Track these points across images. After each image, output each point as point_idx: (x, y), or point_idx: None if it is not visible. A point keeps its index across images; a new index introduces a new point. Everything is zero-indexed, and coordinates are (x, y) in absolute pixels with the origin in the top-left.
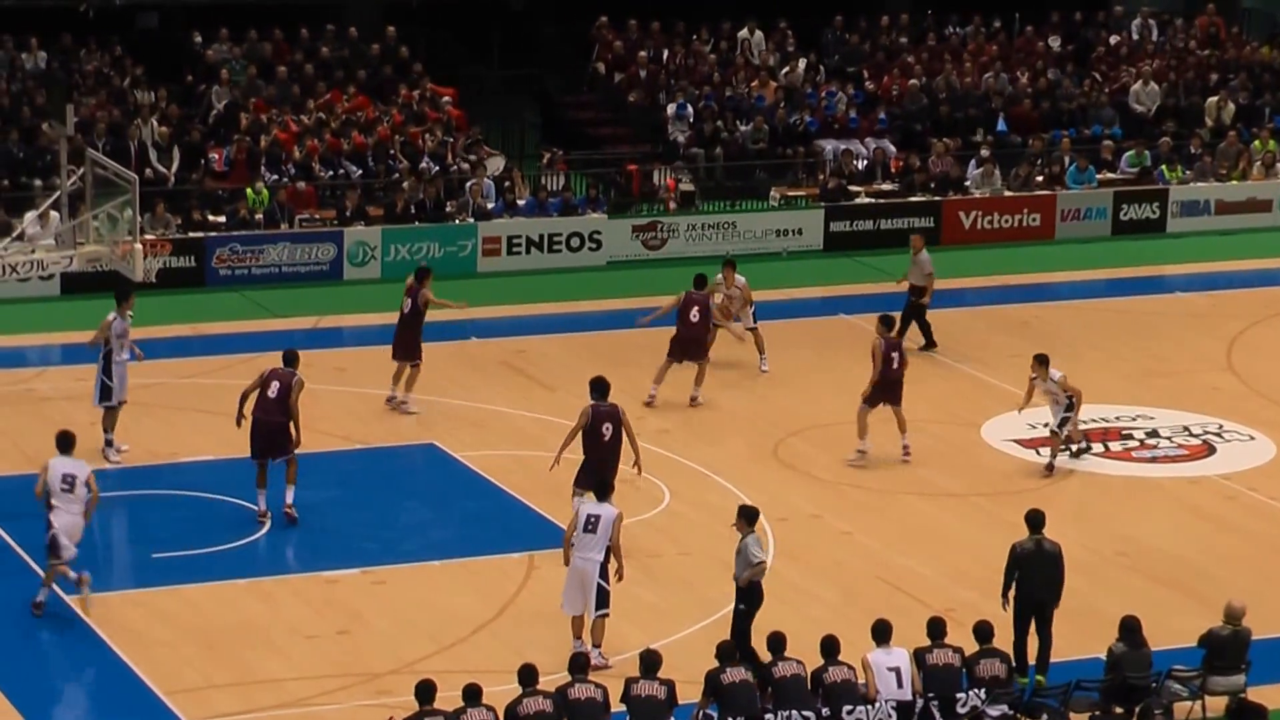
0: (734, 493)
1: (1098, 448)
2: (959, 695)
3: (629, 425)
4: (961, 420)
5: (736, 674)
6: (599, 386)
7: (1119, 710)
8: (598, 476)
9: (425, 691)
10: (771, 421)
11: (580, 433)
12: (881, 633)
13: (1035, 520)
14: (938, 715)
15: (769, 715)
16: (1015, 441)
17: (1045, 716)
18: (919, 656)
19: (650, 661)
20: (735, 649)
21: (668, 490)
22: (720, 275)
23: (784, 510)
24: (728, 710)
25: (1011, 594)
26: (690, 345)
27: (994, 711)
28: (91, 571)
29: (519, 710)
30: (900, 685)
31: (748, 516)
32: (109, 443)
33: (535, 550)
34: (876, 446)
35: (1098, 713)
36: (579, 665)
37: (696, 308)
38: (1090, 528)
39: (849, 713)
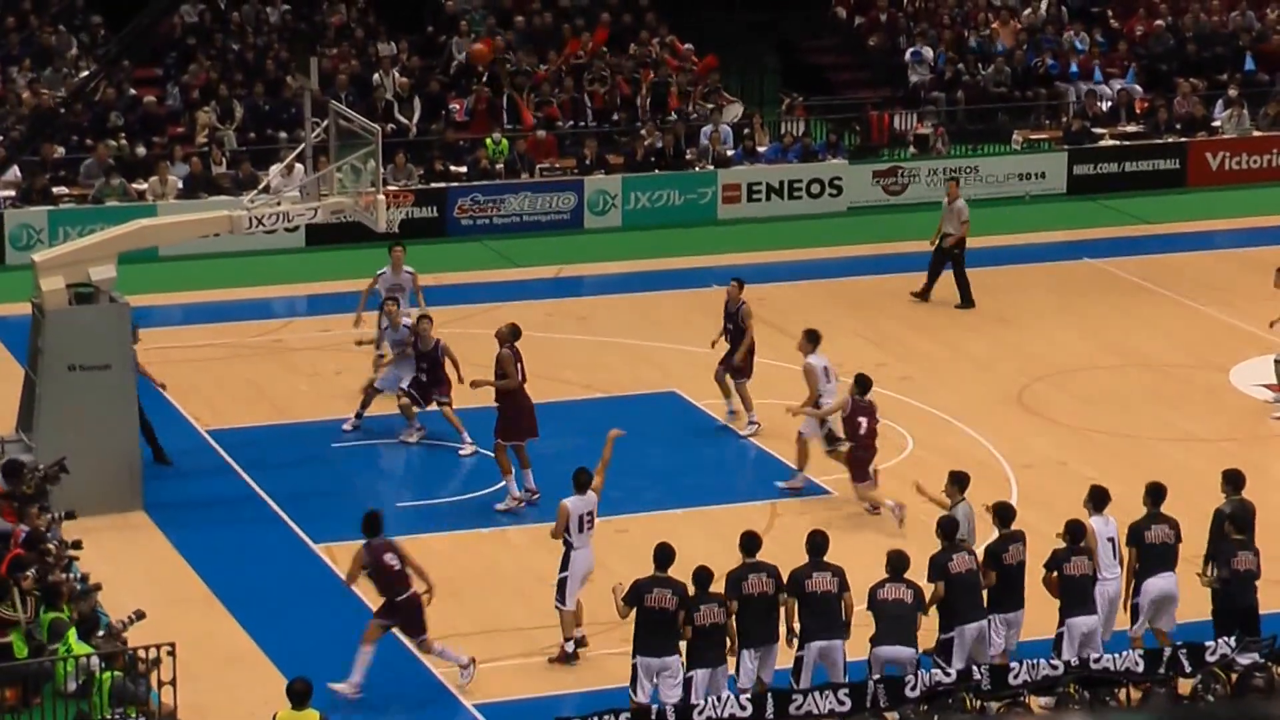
0: (976, 439)
1: None
2: (1208, 644)
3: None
4: (1210, 364)
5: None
6: (862, 381)
7: None
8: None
9: (664, 556)
10: (1014, 366)
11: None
12: (1098, 498)
13: (1236, 480)
14: (1186, 664)
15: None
16: (1265, 386)
17: None
18: None
19: (898, 563)
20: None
21: (910, 437)
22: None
23: (1029, 457)
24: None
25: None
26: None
27: (1244, 660)
28: (336, 522)
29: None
30: (1115, 556)
31: (957, 481)
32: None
33: (777, 499)
34: (1123, 392)
35: None
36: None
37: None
38: None
39: (1095, 661)
